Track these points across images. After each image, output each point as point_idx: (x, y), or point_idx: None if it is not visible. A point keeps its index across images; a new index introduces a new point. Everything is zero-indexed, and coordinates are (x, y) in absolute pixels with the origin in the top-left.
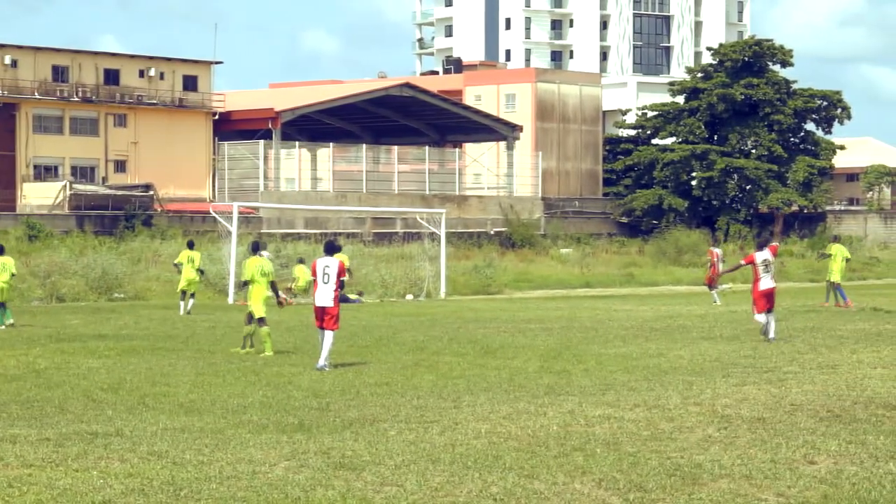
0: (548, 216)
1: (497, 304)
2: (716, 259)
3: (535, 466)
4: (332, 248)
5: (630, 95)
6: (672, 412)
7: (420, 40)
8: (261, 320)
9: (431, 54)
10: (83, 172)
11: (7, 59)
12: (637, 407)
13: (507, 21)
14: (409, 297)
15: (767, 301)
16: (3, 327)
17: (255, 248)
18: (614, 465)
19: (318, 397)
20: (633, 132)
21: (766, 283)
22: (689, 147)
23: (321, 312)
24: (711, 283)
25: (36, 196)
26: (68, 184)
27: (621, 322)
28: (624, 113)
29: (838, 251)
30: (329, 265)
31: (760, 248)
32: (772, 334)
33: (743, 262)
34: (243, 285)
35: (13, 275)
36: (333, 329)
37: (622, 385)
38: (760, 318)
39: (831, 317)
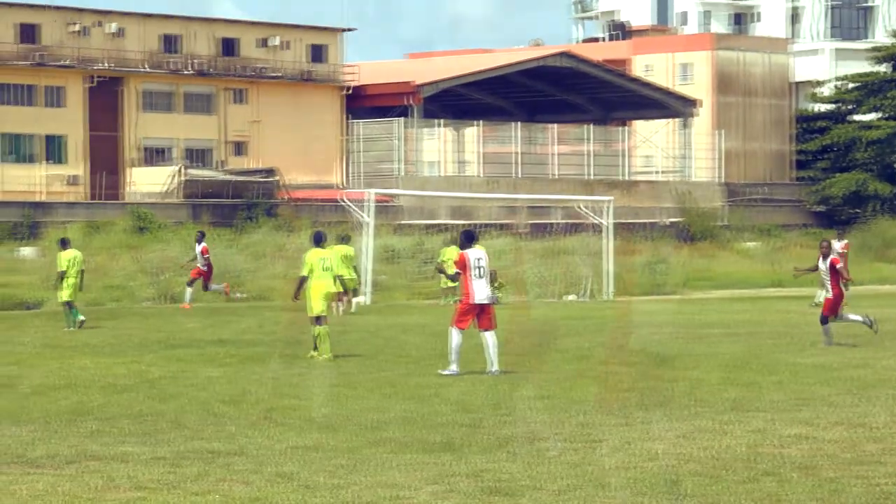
0: (730, 204)
1: (672, 305)
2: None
3: (720, 493)
4: (474, 238)
5: (825, 64)
6: (879, 432)
7: (580, 3)
8: (318, 318)
9: (593, 18)
10: (198, 155)
11: (112, 28)
12: (838, 425)
13: None
14: (571, 297)
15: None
16: (72, 329)
17: (318, 240)
18: (812, 493)
19: (468, 412)
20: (829, 107)
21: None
22: (895, 124)
23: (478, 310)
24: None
25: (145, 182)
26: (181, 168)
27: (817, 327)
28: (818, 84)
29: None
30: (482, 257)
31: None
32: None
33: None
34: (301, 281)
35: (82, 270)
36: (494, 328)
37: (820, 400)
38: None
39: None
